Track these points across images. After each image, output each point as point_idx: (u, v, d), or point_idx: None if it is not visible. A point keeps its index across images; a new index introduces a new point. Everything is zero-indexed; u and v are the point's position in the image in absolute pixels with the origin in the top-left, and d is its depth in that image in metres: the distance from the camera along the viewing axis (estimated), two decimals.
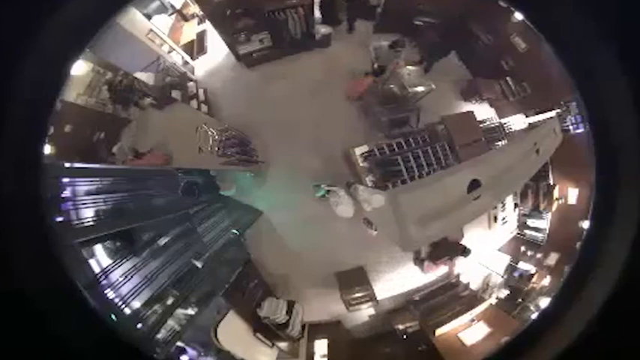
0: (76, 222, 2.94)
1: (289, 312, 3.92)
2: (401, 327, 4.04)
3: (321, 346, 3.84)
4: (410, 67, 4.44)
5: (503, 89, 4.49)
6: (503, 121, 4.39)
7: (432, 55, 4.52)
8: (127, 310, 2.98)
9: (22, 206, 1.01)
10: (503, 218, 4.20)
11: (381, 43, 4.54)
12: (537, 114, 4.29)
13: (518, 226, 4.27)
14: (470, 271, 4.23)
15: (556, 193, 4.10)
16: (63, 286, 1.05)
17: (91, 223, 3.03)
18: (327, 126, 4.42)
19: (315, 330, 4.00)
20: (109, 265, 3.08)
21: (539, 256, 4.10)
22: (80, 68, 2.94)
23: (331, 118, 4.44)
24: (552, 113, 4.12)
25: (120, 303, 2.91)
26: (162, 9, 5.11)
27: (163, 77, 4.48)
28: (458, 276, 4.25)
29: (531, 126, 4.30)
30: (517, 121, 4.37)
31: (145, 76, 4.14)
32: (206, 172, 4.24)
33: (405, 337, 4.00)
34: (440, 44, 4.48)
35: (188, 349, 3.49)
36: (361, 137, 4.33)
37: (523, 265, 4.14)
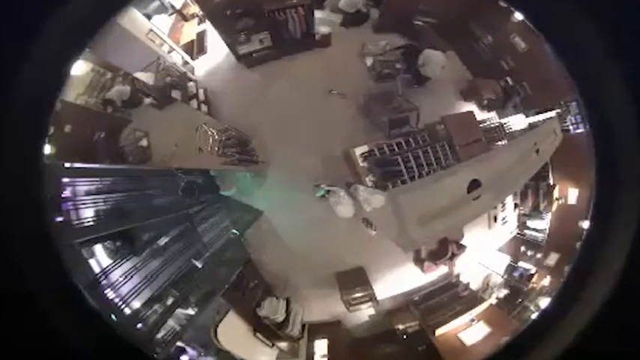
0: (76, 222, 2.94)
1: (287, 309, 3.92)
2: (401, 327, 4.04)
3: (321, 346, 3.84)
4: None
5: (504, 89, 4.49)
6: (503, 121, 4.38)
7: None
8: (127, 310, 2.98)
9: (22, 206, 1.01)
10: (503, 218, 4.20)
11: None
12: (537, 114, 4.28)
13: (518, 226, 4.26)
14: (470, 271, 4.22)
15: (556, 193, 4.09)
16: (63, 286, 1.05)
17: (91, 223, 3.03)
18: (327, 126, 4.41)
19: (315, 330, 3.99)
20: (109, 265, 3.08)
21: (539, 256, 4.09)
22: (80, 68, 2.94)
23: (331, 118, 4.43)
24: (552, 113, 4.12)
25: (120, 303, 2.91)
26: (162, 9, 5.10)
27: (163, 77, 4.46)
28: (458, 276, 4.24)
29: (531, 126, 4.29)
30: (517, 121, 4.36)
31: (145, 76, 4.14)
32: (206, 172, 4.23)
33: (405, 337, 4.00)
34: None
35: (188, 349, 3.49)
36: (361, 137, 4.32)
37: (523, 265, 4.14)
